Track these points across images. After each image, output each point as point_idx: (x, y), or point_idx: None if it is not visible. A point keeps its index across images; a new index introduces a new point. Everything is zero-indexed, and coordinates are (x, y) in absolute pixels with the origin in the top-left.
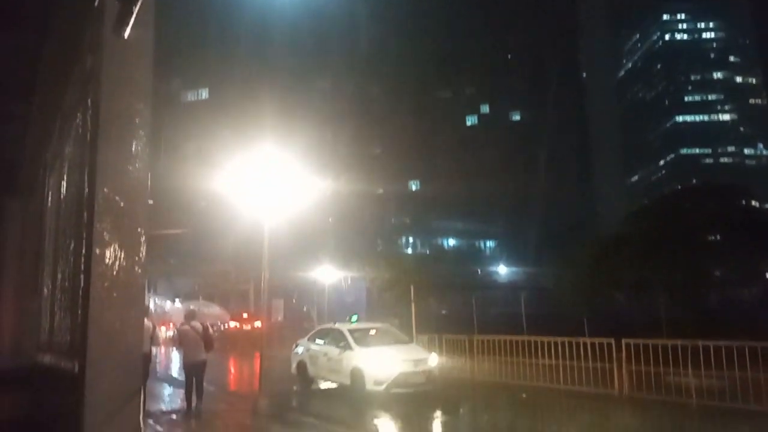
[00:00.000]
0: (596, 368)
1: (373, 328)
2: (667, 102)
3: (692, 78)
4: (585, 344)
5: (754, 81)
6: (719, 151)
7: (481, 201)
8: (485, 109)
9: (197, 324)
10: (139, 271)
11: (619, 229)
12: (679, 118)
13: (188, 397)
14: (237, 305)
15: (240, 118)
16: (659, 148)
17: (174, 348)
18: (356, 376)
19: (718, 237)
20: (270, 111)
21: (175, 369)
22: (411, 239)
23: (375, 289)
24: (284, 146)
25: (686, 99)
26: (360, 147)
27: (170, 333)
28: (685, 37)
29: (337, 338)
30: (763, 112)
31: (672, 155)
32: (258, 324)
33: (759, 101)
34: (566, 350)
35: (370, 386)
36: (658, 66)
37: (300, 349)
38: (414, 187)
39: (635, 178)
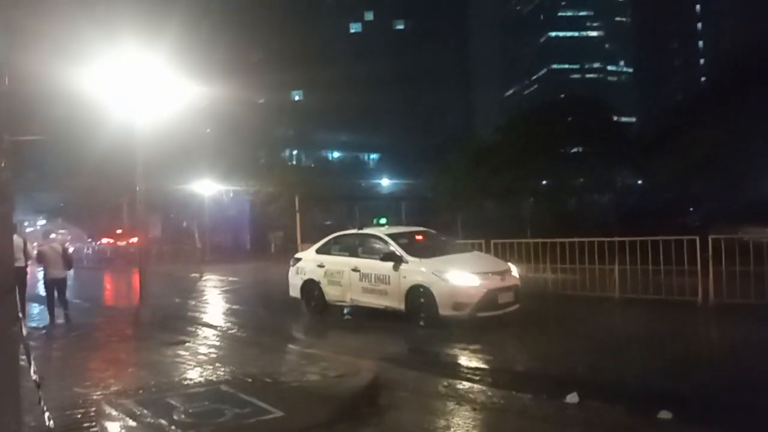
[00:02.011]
0: None
1: (417, 233)
2: (542, 17)
3: None
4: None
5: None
6: (586, 66)
7: (364, 113)
8: (369, 16)
9: (56, 244)
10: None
11: (490, 140)
12: (552, 34)
13: (51, 311)
14: (109, 221)
15: (109, 16)
16: (533, 62)
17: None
18: (417, 298)
19: (580, 148)
20: (140, 9)
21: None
22: (295, 151)
23: (259, 202)
24: (155, 48)
25: (559, 14)
26: (239, 52)
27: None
28: None
29: (372, 248)
30: (627, 30)
31: (544, 70)
32: (134, 240)
33: (624, 19)
34: None
35: (445, 311)
36: None
37: (305, 264)
38: (297, 98)
39: (510, 91)
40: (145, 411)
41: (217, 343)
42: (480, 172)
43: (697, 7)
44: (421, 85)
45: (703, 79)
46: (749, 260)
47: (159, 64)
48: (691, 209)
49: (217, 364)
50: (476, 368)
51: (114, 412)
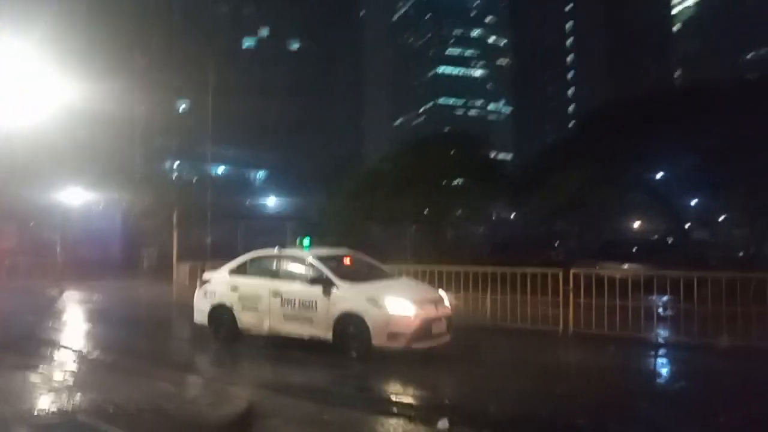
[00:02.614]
0: None
1: (344, 255)
2: (431, 52)
3: (455, 33)
4: None
5: (503, 43)
6: (469, 103)
7: (253, 129)
8: (264, 33)
9: None
10: None
11: (378, 166)
12: (440, 69)
13: None
14: None
15: None
16: (422, 95)
17: None
18: (347, 327)
19: (460, 180)
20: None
21: None
22: (176, 163)
23: (133, 215)
24: (23, 37)
25: (447, 52)
26: (122, 55)
27: None
28: None
29: (296, 270)
30: (507, 72)
31: (431, 103)
32: None
33: (505, 62)
34: None
35: (379, 341)
36: (428, 16)
37: (216, 287)
38: (183, 107)
39: (399, 121)
40: None
41: (76, 368)
42: (367, 198)
43: (569, 57)
44: (313, 106)
45: (571, 124)
46: (604, 293)
47: (26, 56)
48: (556, 244)
49: (75, 392)
50: (370, 397)
51: None
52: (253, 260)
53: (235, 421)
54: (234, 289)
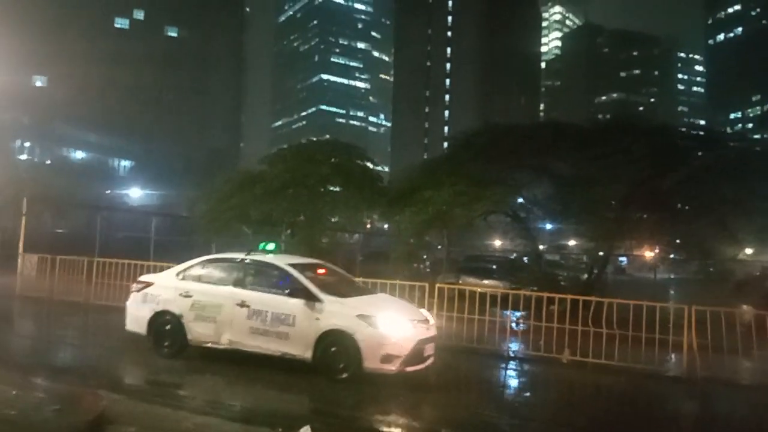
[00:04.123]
0: None
1: (318, 266)
2: (316, 58)
3: (341, 42)
4: None
5: (386, 59)
6: (351, 113)
7: (120, 114)
8: (139, 15)
9: None
10: None
11: (255, 167)
12: (324, 76)
13: None
14: None
15: None
16: (304, 99)
17: None
18: (329, 346)
19: (338, 188)
20: None
21: None
22: (27, 143)
23: None
24: None
25: (332, 60)
26: None
27: None
28: (342, 1)
29: (267, 279)
30: (389, 88)
31: (313, 108)
32: None
33: (387, 77)
34: None
35: (372, 363)
36: (315, 22)
37: (160, 292)
38: (39, 83)
39: (280, 122)
40: None
41: None
42: (242, 198)
43: (447, 81)
44: (187, 97)
45: (445, 144)
46: (465, 307)
47: None
48: (424, 257)
49: None
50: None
51: None
52: (209, 264)
53: (84, 428)
54: (185, 295)
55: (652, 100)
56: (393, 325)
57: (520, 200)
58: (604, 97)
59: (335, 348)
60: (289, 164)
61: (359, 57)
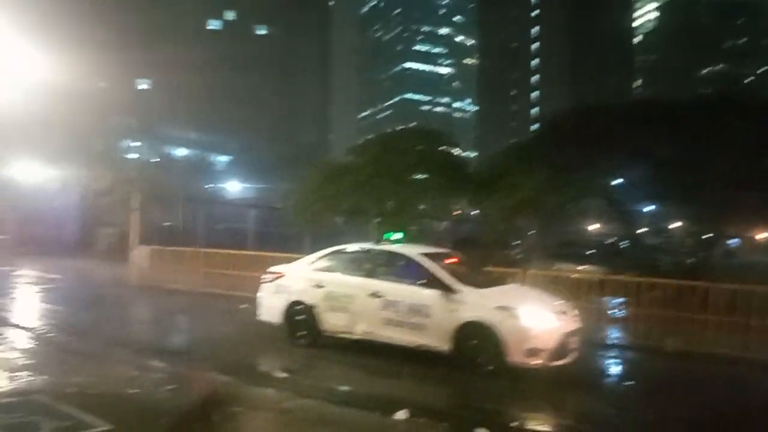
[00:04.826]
0: None
1: (448, 255)
2: (399, 47)
3: (423, 29)
4: None
5: (470, 43)
6: (435, 100)
7: (217, 112)
8: (230, 15)
9: None
10: None
11: (343, 158)
12: (408, 65)
13: None
14: None
15: None
16: (388, 89)
17: None
18: (469, 338)
19: (424, 175)
20: None
21: None
22: (137, 143)
23: (90, 194)
24: None
25: (415, 48)
26: (82, 29)
27: None
28: None
29: (398, 270)
30: (473, 72)
31: (398, 98)
32: None
33: (471, 61)
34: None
35: (516, 357)
36: (397, 11)
37: (292, 282)
38: (144, 86)
39: (366, 113)
40: None
41: (33, 348)
42: (331, 189)
43: (534, 61)
44: (278, 93)
45: (534, 126)
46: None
47: None
48: (515, 243)
49: (32, 372)
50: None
51: None
52: (339, 255)
53: (198, 407)
54: (318, 285)
55: (759, 71)
56: (537, 317)
57: (616, 182)
58: (705, 71)
59: (474, 341)
60: (375, 154)
61: (442, 43)
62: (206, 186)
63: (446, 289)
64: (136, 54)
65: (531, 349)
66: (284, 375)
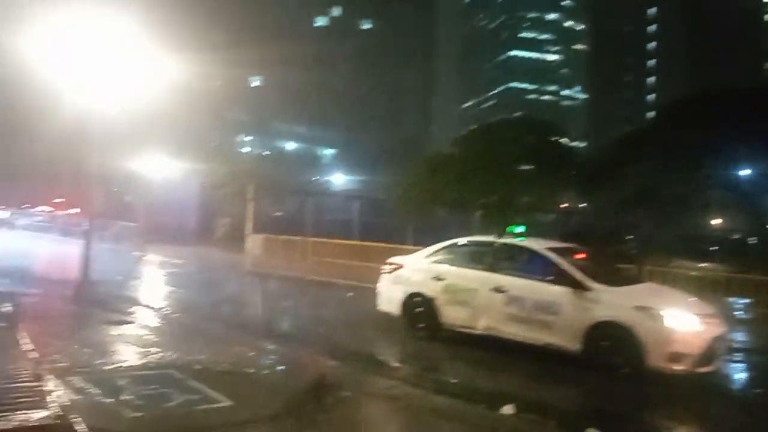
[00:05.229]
0: None
1: (576, 250)
2: (504, 35)
3: (529, 15)
4: (406, 251)
5: (580, 27)
6: (542, 88)
7: (323, 106)
8: (337, 11)
9: None
10: None
11: (447, 150)
12: (513, 53)
13: None
14: (47, 190)
15: None
16: (493, 78)
17: None
18: (602, 339)
19: (531, 167)
20: None
21: None
22: (249, 138)
23: (208, 185)
24: (111, 14)
25: (521, 35)
26: (201, 30)
27: None
28: None
29: (523, 264)
30: (584, 58)
31: (503, 87)
32: (74, 211)
33: (581, 47)
34: (391, 255)
35: (657, 361)
36: None
37: (411, 274)
38: (256, 83)
39: (469, 103)
40: (94, 389)
41: (160, 327)
42: (435, 181)
43: (651, 44)
44: (382, 86)
45: (649, 114)
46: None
47: (115, 31)
48: (628, 237)
49: (161, 348)
50: None
51: (63, 389)
52: (459, 248)
53: (311, 389)
54: (437, 278)
55: None
56: (681, 319)
57: (743, 173)
58: None
59: (607, 342)
60: (479, 146)
61: (549, 29)
62: (313, 178)
63: (578, 286)
64: (249, 53)
65: (674, 353)
66: (396, 364)
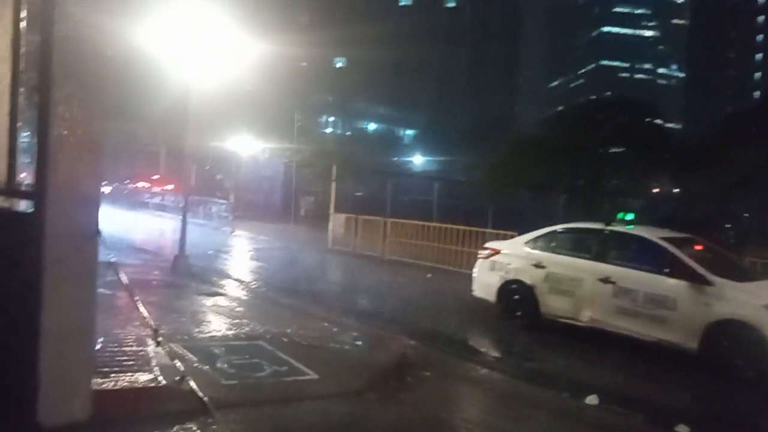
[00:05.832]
0: None
1: (692, 241)
2: (596, 10)
3: None
4: (485, 234)
5: (679, 0)
6: (636, 66)
7: (405, 87)
8: None
9: None
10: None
11: (533, 131)
12: (605, 29)
13: None
14: (145, 166)
15: None
16: (582, 56)
17: None
18: (723, 338)
19: (621, 149)
20: None
21: None
22: (332, 118)
23: (294, 165)
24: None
25: (615, 10)
26: (288, 13)
27: None
28: None
29: (634, 254)
30: (683, 33)
31: (593, 65)
32: (170, 187)
33: (681, 22)
34: (470, 238)
35: None
36: None
37: (510, 260)
38: (339, 65)
39: (556, 82)
40: (192, 356)
41: (248, 300)
42: (519, 163)
43: (760, 18)
44: (465, 65)
45: (756, 94)
46: None
47: (209, 17)
48: (728, 226)
49: (251, 320)
50: None
51: (164, 356)
52: (562, 234)
53: (392, 367)
54: (538, 265)
55: None
56: None
57: None
58: None
59: (727, 341)
60: (567, 127)
61: (645, 2)
62: (394, 159)
63: (698, 280)
64: (334, 34)
65: None
66: (482, 349)
